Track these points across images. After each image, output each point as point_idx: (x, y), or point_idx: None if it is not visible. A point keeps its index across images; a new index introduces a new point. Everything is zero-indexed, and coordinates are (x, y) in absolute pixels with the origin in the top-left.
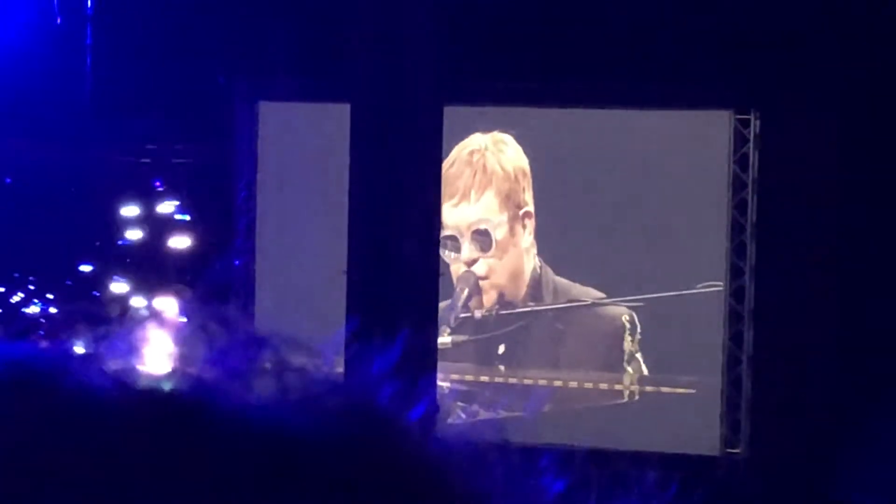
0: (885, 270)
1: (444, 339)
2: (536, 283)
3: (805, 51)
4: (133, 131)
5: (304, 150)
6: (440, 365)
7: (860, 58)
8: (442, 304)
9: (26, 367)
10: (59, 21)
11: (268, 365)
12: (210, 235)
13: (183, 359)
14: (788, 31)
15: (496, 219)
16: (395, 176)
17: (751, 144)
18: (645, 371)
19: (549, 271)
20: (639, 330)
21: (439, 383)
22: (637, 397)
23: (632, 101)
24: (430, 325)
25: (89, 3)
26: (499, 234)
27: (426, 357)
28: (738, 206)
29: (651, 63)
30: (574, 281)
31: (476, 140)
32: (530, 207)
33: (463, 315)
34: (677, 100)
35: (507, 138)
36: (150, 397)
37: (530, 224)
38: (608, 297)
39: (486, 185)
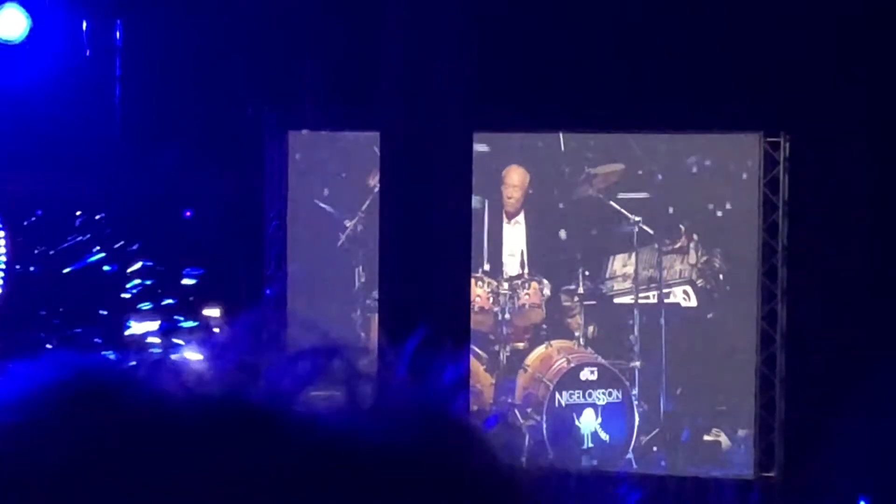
0: None
1: None
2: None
3: (835, 73)
4: (163, 162)
5: (334, 179)
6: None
7: (891, 80)
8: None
9: (96, 376)
10: (88, 53)
11: (338, 372)
12: (240, 265)
13: (251, 367)
14: (819, 54)
15: None
16: (426, 203)
17: (781, 167)
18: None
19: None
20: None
21: None
22: None
23: (662, 124)
24: (462, 352)
25: (118, 34)
26: None
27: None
28: (769, 230)
29: (680, 86)
30: None
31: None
32: None
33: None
34: (707, 123)
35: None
36: (219, 405)
37: None
38: None
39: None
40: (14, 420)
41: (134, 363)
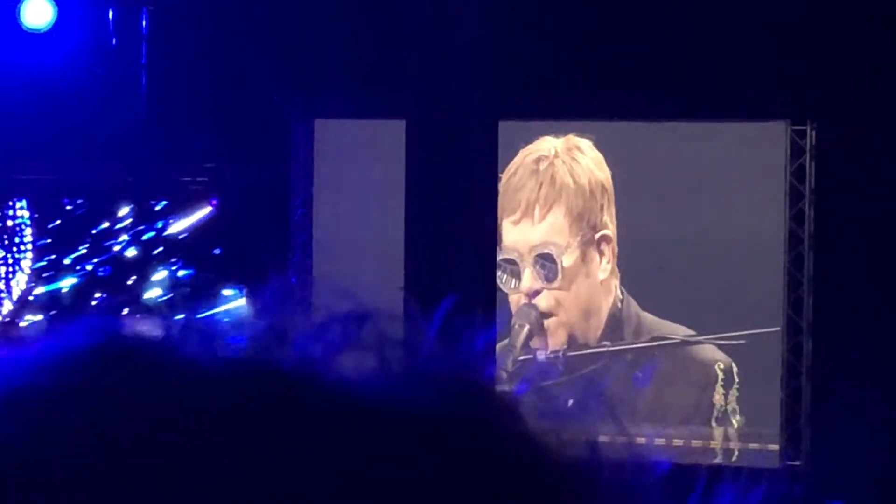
0: None
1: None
2: (616, 321)
3: (862, 59)
4: (189, 150)
5: (360, 167)
6: None
7: None
8: (498, 346)
9: (127, 340)
10: (114, 42)
11: (369, 338)
12: (267, 253)
13: (282, 333)
14: (845, 40)
15: (564, 242)
16: (451, 192)
17: (808, 155)
18: (736, 429)
19: (634, 305)
20: (736, 382)
21: None
22: (736, 456)
23: (688, 113)
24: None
25: (144, 23)
26: (567, 260)
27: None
28: (796, 218)
29: (706, 74)
30: (663, 317)
31: (546, 145)
32: (609, 230)
33: (523, 357)
34: (733, 111)
35: (585, 143)
36: (250, 371)
37: (609, 250)
38: (697, 335)
39: (554, 200)
40: (47, 382)
41: (165, 327)
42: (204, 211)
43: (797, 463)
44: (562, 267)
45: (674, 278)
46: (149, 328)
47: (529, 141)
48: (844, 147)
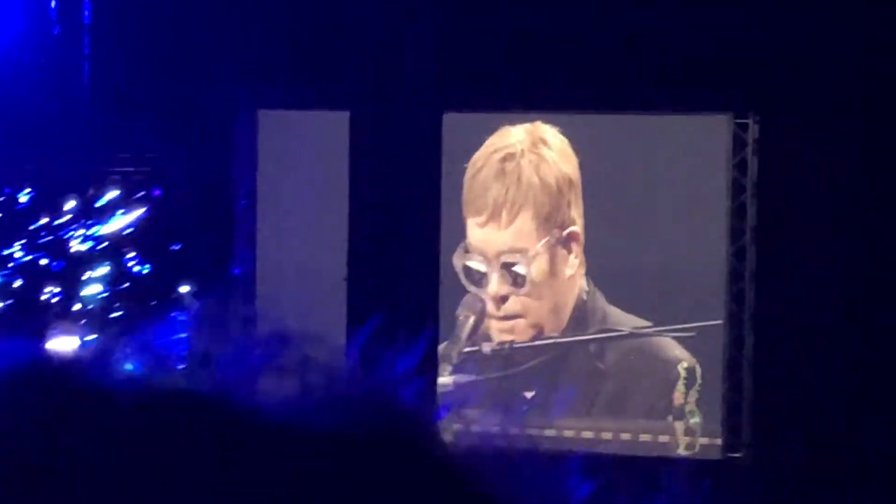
0: (887, 272)
1: (444, 380)
2: (581, 314)
3: (804, 53)
4: (132, 141)
5: (304, 158)
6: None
7: (859, 61)
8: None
9: (41, 362)
10: (56, 30)
11: (288, 362)
12: (210, 244)
13: (202, 356)
14: (787, 35)
15: (532, 248)
16: (395, 183)
17: (749, 149)
18: (690, 425)
19: (601, 297)
20: (698, 383)
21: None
22: (696, 449)
23: (631, 106)
24: (422, 340)
25: (87, 12)
26: (535, 268)
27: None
28: (738, 211)
29: (649, 68)
30: (628, 311)
31: (511, 139)
32: (577, 227)
33: (468, 349)
34: (675, 104)
35: (551, 133)
36: (166, 395)
37: (577, 247)
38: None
39: (522, 203)
40: None
41: (83, 351)
42: (140, 210)
43: (738, 455)
44: (530, 273)
45: (631, 271)
46: (66, 348)
47: (493, 130)
48: (786, 140)
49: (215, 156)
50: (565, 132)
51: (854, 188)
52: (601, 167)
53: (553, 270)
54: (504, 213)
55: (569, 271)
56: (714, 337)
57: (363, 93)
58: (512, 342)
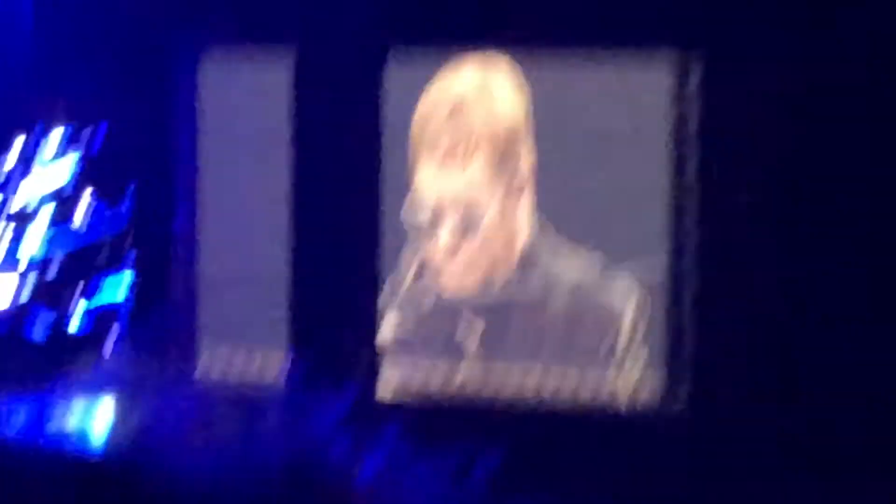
0: (830, 206)
1: (386, 327)
2: (530, 251)
3: None
4: (71, 90)
5: (246, 105)
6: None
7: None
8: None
9: None
10: None
11: (209, 425)
12: (151, 198)
13: (120, 422)
14: None
15: (485, 198)
16: (337, 125)
17: (693, 89)
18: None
19: (549, 231)
20: (641, 333)
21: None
22: (637, 400)
23: (574, 42)
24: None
25: None
26: (487, 217)
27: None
28: (683, 145)
29: (591, 3)
30: (579, 241)
31: (461, 82)
32: (527, 168)
33: (411, 298)
34: (619, 43)
35: (500, 70)
36: (84, 465)
37: (528, 189)
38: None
39: (474, 150)
40: None
41: None
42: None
43: (678, 407)
44: (482, 224)
45: (579, 204)
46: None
47: (441, 65)
48: (730, 82)
49: (156, 104)
50: (515, 68)
51: (802, 126)
52: (550, 102)
53: (505, 218)
54: (456, 162)
55: (520, 218)
56: (658, 280)
57: (307, 32)
58: (457, 291)
